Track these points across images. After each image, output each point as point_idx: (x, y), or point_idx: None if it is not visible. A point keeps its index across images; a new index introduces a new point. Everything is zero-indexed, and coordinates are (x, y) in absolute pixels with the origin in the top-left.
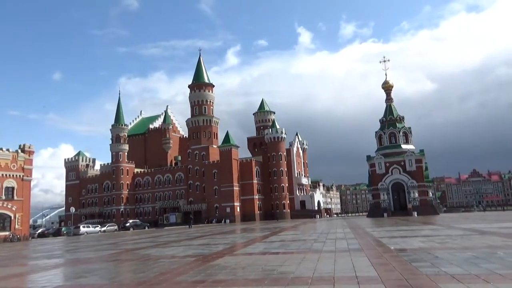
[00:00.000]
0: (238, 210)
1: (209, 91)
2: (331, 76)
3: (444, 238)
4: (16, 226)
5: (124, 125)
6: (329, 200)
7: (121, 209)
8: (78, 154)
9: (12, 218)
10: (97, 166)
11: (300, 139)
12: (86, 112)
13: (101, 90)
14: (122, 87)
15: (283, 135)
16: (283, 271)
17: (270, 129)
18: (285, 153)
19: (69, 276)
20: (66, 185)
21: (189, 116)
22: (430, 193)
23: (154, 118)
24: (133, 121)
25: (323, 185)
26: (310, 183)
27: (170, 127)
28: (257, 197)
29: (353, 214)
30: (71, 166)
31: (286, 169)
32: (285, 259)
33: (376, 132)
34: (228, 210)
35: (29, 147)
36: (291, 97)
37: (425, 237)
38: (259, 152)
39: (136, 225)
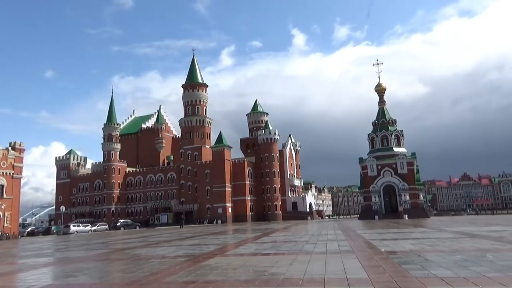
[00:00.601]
0: (230, 211)
1: (202, 91)
2: (325, 78)
3: (434, 241)
4: (5, 225)
5: (117, 124)
6: (321, 202)
7: (112, 209)
8: (70, 152)
9: (1, 216)
10: (89, 165)
11: (293, 140)
12: (79, 110)
13: (94, 89)
14: (115, 86)
15: (276, 136)
16: (274, 272)
17: (263, 130)
18: (277, 154)
19: (58, 275)
20: (57, 184)
21: (182, 116)
22: (421, 196)
23: (146, 118)
24: (125, 120)
25: (315, 187)
26: (302, 184)
27: (163, 126)
28: (249, 198)
29: (345, 216)
30: (62, 165)
31: (278, 170)
32: (276, 260)
33: (368, 135)
34: (220, 210)
35: (20, 145)
36: (285, 99)
37: (415, 240)
38: (252, 153)
39: (127, 224)
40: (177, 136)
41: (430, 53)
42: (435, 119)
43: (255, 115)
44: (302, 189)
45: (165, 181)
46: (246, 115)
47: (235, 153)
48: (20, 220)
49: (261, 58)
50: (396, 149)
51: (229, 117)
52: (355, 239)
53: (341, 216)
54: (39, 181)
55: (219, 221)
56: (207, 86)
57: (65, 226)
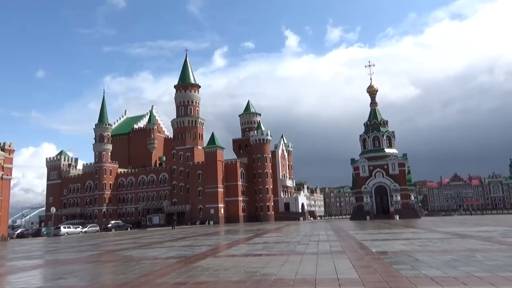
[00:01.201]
0: (222, 211)
1: (195, 92)
2: (317, 79)
3: (425, 241)
4: None
5: (108, 125)
6: (313, 202)
7: (103, 210)
8: (61, 153)
9: None
10: (80, 166)
11: (286, 141)
12: (70, 111)
13: (86, 89)
14: (107, 86)
15: (269, 137)
16: (266, 273)
17: (256, 131)
18: (270, 155)
19: (48, 277)
20: (48, 185)
21: (175, 117)
22: (412, 197)
23: (139, 118)
24: (117, 120)
25: (307, 188)
26: (294, 185)
27: (155, 127)
28: (241, 198)
29: (337, 217)
30: (53, 166)
31: (271, 171)
32: (267, 261)
33: (360, 136)
34: (212, 211)
35: (9, 146)
36: (277, 100)
37: (406, 240)
38: (244, 154)
39: (119, 226)
40: (169, 136)
41: (422, 55)
42: (426, 121)
43: (248, 116)
44: (295, 189)
45: (157, 182)
46: (239, 116)
47: (227, 154)
48: (10, 221)
49: (254, 59)
50: (387, 150)
51: (221, 118)
52: (346, 239)
53: (333, 217)
54: (30, 182)
55: (211, 222)
56: (200, 86)
57: (55, 228)
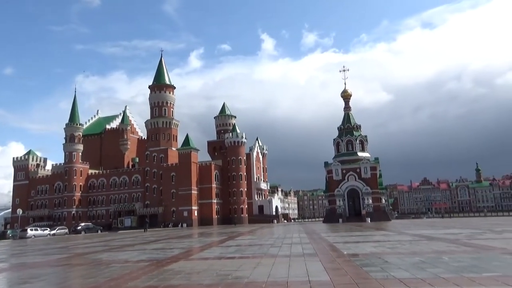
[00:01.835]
0: (196, 214)
1: (169, 93)
2: (293, 83)
3: (395, 243)
4: None
5: (79, 124)
6: (287, 205)
7: (73, 212)
8: (29, 153)
9: None
10: (49, 166)
11: (260, 144)
12: (39, 109)
13: (56, 87)
14: (79, 85)
15: (244, 140)
16: (238, 276)
17: (231, 133)
18: (245, 158)
19: (13, 281)
20: (14, 186)
21: (149, 118)
22: (383, 200)
23: (111, 118)
24: (89, 120)
25: (282, 190)
26: (268, 188)
27: (128, 127)
28: (215, 201)
29: (310, 219)
30: (20, 166)
31: (245, 173)
32: (240, 264)
33: (334, 140)
34: (185, 214)
35: None
36: (253, 102)
37: (376, 243)
38: (219, 156)
39: (88, 228)
40: (143, 137)
41: (393, 62)
42: (397, 126)
43: (223, 118)
44: (269, 192)
45: (130, 183)
46: (214, 117)
47: (202, 156)
48: None
49: (230, 62)
50: (360, 154)
51: (197, 119)
52: (319, 242)
53: (306, 219)
54: None
55: (185, 225)
56: (175, 87)
57: (21, 230)
